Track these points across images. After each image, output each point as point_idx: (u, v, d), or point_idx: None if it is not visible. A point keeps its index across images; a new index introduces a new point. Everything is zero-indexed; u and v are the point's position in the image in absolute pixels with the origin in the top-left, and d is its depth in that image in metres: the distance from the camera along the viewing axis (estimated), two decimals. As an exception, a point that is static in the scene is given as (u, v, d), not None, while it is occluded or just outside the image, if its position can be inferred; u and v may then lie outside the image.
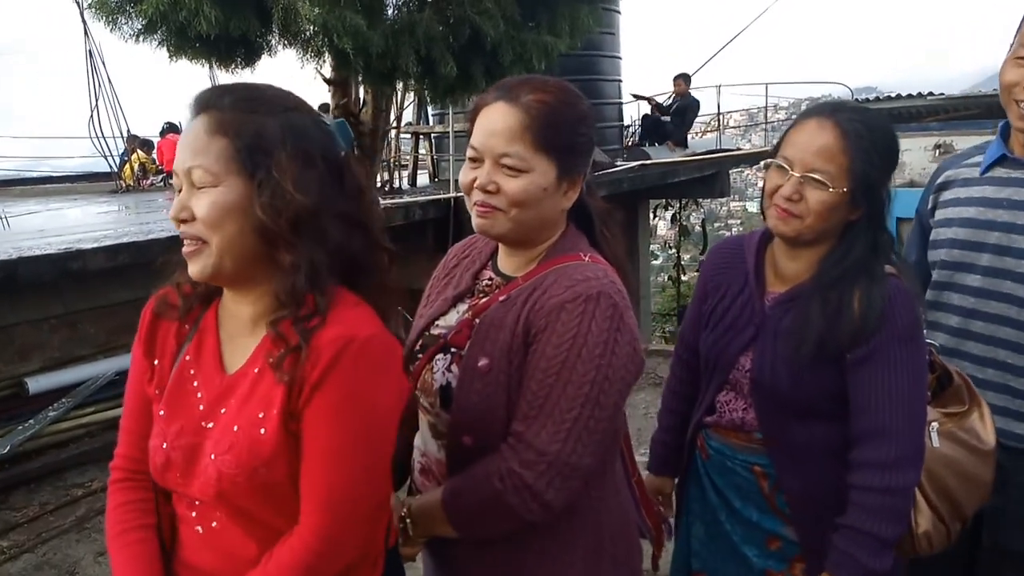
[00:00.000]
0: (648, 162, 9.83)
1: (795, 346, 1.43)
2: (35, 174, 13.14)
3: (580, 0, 4.60)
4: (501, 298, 1.29)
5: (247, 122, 1.04)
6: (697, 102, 11.46)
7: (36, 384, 4.66)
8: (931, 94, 8.14)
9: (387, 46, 3.94)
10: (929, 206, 1.84)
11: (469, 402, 1.24)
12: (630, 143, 11.49)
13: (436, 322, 1.39)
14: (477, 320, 1.30)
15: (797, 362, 1.43)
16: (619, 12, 10.39)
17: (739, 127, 18.81)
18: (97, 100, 10.84)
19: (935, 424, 1.47)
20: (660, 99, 11.48)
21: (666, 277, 14.32)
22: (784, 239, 1.49)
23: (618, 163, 9.52)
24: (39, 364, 4.83)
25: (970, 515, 1.51)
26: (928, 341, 1.53)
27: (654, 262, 16.42)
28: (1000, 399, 1.66)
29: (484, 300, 1.34)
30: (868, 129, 1.41)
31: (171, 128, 11.31)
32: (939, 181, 1.84)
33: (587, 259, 1.28)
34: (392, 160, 8.80)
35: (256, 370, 1.09)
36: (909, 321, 1.40)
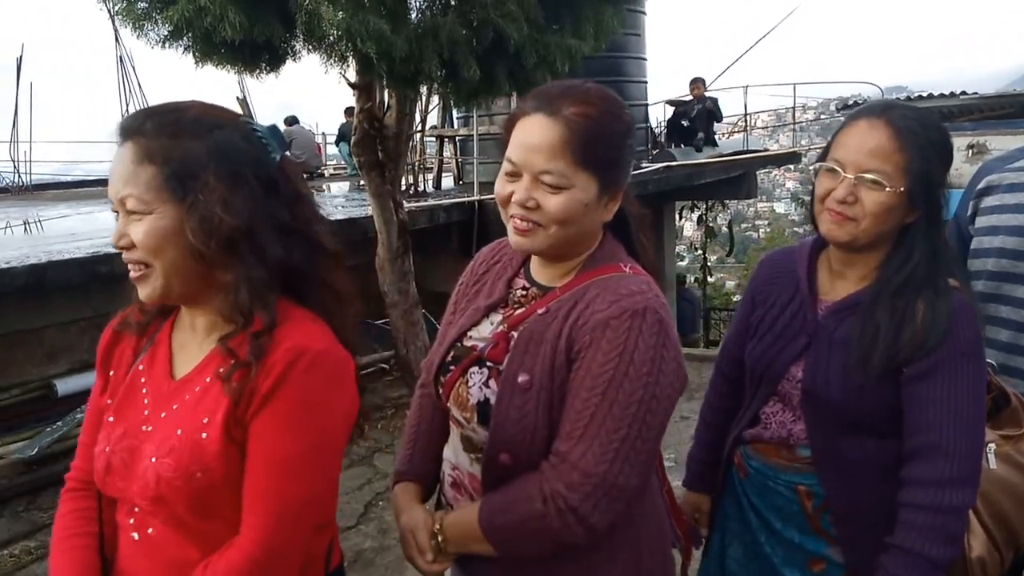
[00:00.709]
0: (674, 164, 9.76)
1: (857, 356, 1.38)
2: (68, 178, 13.40)
3: (604, 1, 4.55)
4: (540, 310, 1.25)
5: (172, 148, 1.05)
6: (715, 100, 11.35)
7: (65, 386, 4.73)
8: (964, 93, 7.97)
9: (410, 50, 3.93)
10: (969, 212, 1.77)
11: (508, 419, 1.20)
12: (657, 145, 11.42)
13: (468, 333, 1.35)
14: (514, 333, 1.26)
15: (853, 372, 1.38)
16: (644, 13, 10.32)
17: (767, 127, 18.61)
18: (127, 105, 11.02)
19: (992, 445, 1.42)
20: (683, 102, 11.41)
21: (692, 279, 14.22)
22: (838, 245, 1.44)
23: (644, 165, 9.46)
24: (67, 366, 4.91)
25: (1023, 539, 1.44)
26: (987, 360, 1.47)
27: (680, 263, 16.30)
28: None
29: (520, 311, 1.30)
30: (922, 126, 1.36)
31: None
32: (980, 186, 1.77)
33: (628, 270, 1.25)
34: (417, 163, 8.82)
35: (207, 379, 1.10)
36: (972, 337, 1.35)
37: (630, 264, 1.27)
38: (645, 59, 10.49)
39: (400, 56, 3.87)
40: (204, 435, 1.05)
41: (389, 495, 4.00)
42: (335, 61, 4.02)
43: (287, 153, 1.17)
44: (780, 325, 1.52)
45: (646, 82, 10.39)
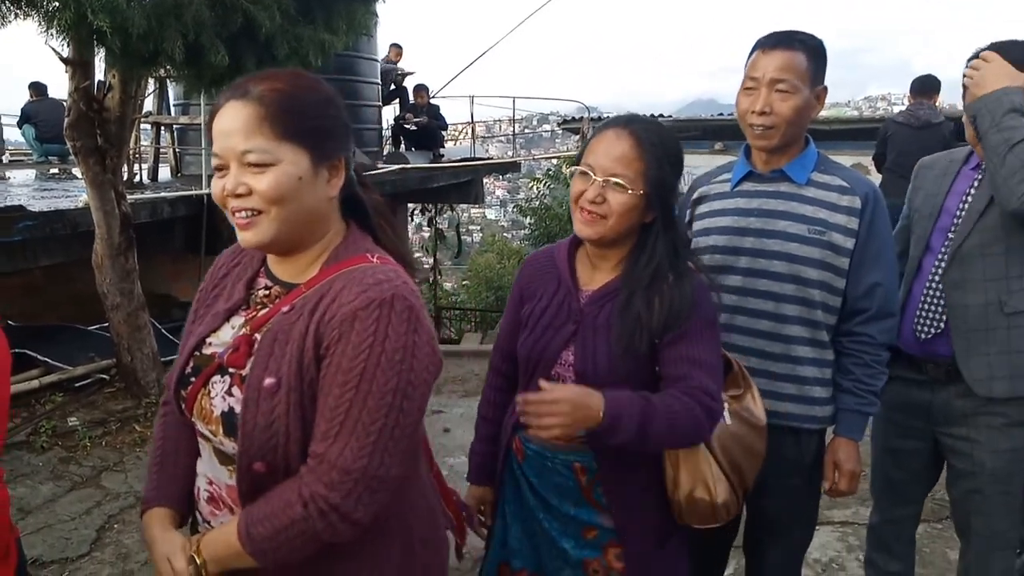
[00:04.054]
0: (408, 166, 9.93)
1: (622, 342, 1.56)
2: None
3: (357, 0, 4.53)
4: (284, 308, 1.20)
5: None
6: (437, 107, 12.02)
7: None
8: (661, 115, 9.15)
9: (149, 27, 3.59)
10: (686, 219, 2.08)
11: (257, 426, 1.14)
12: (387, 147, 11.55)
13: (208, 340, 1.28)
14: (257, 335, 1.21)
15: (619, 353, 1.57)
16: (376, 16, 10.35)
17: (479, 137, 19.62)
18: None
19: (726, 405, 1.65)
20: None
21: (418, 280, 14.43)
22: (590, 241, 1.63)
23: (379, 166, 9.50)
24: None
25: (750, 485, 1.72)
26: None
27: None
28: (763, 383, 1.90)
29: (263, 312, 1.24)
30: (660, 139, 1.58)
31: None
32: (694, 197, 2.09)
33: (375, 260, 1.22)
34: (132, 153, 7.99)
35: None
36: (710, 308, 1.60)
37: (377, 254, 1.24)
38: (377, 60, 10.55)
39: (138, 33, 3.52)
40: None
41: (125, 517, 3.64)
42: (57, 31, 3.54)
43: None
44: (549, 315, 1.68)
45: (378, 83, 10.45)
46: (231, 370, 1.20)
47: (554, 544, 1.68)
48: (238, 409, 1.17)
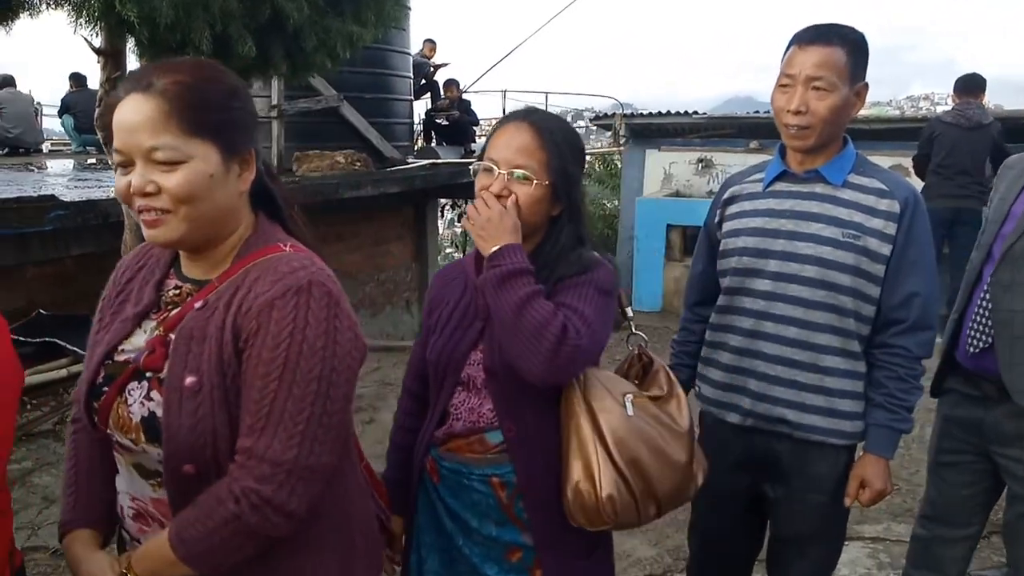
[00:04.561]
0: (439, 161, 9.90)
1: None
2: None
3: (386, -9, 4.49)
4: (197, 305, 1.16)
5: None
6: (468, 103, 12.14)
7: None
8: (695, 113, 8.98)
9: (177, 17, 3.58)
10: (716, 220, 2.00)
11: (183, 428, 1.10)
12: (418, 142, 11.56)
13: (120, 347, 1.23)
14: (171, 335, 1.16)
15: None
16: (409, 8, 10.33)
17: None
18: None
19: (630, 396, 1.55)
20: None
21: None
22: None
23: (410, 160, 9.49)
24: None
25: (664, 499, 1.55)
26: (638, 333, 1.71)
27: (442, 261, 16.57)
28: (789, 394, 1.84)
29: (176, 312, 1.19)
30: (560, 129, 1.56)
31: None
32: (725, 196, 2.01)
33: (288, 248, 1.20)
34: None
35: None
36: (607, 280, 1.53)
37: (290, 243, 1.22)
38: (410, 54, 10.51)
39: (165, 23, 3.51)
40: None
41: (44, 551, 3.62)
42: (86, 21, 3.55)
43: None
44: (456, 317, 1.62)
45: (410, 77, 10.42)
46: (148, 374, 1.16)
47: (476, 571, 1.59)
48: (159, 412, 1.12)
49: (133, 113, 1.09)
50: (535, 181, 1.50)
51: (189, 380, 1.11)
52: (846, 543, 2.10)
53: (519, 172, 1.51)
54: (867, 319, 1.82)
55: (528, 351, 1.41)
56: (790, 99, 1.77)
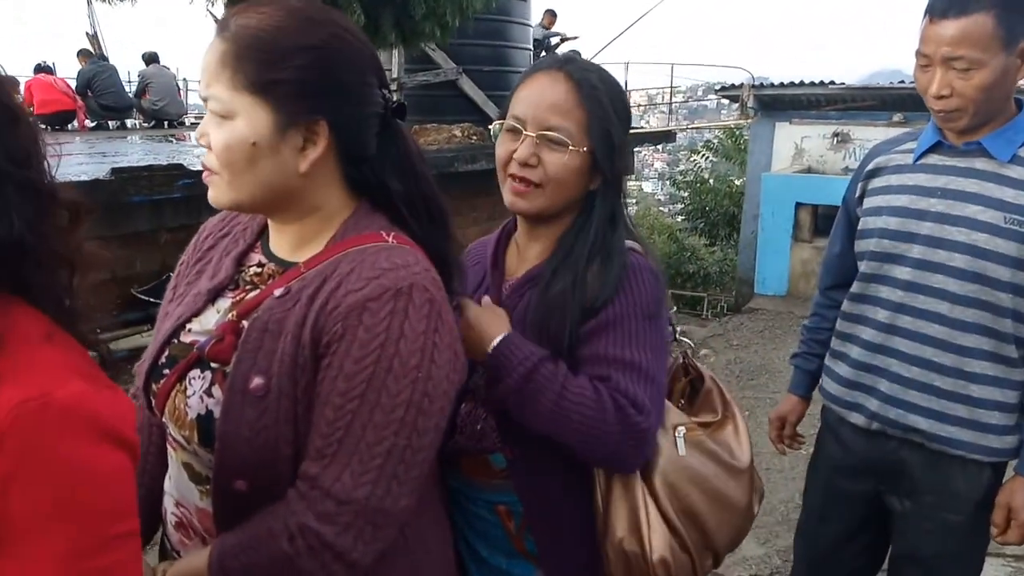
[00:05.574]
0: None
1: (531, 325, 1.23)
2: None
3: (499, -43, 4.36)
4: (277, 292, 0.99)
5: None
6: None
7: None
8: (832, 82, 8.36)
9: (289, -13, 3.60)
10: (857, 194, 1.76)
11: (240, 437, 0.95)
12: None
13: (188, 326, 1.07)
14: (244, 323, 1.00)
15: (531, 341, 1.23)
16: (531, -22, 10.19)
17: (638, 107, 19.05)
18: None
19: (682, 428, 1.27)
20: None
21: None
22: (524, 216, 1.31)
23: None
24: None
25: (722, 548, 1.31)
26: (684, 339, 1.43)
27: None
28: (924, 399, 1.61)
29: (254, 295, 1.03)
30: (602, 81, 1.25)
31: (43, 68, 10.40)
32: (869, 168, 1.75)
33: (391, 239, 1.01)
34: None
35: None
36: (649, 295, 1.22)
37: (394, 233, 1.03)
38: (530, 25, 10.38)
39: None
40: None
41: None
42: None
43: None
44: None
45: (530, 49, 10.28)
46: (214, 364, 1.00)
47: None
48: (217, 413, 0.97)
49: (205, 55, 0.96)
50: (570, 147, 1.21)
51: (256, 382, 0.95)
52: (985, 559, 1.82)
53: (551, 134, 1.22)
54: None
55: (588, 451, 1.18)
56: (930, 81, 1.51)
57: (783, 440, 1.98)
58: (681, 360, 1.43)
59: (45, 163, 0.73)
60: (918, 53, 1.54)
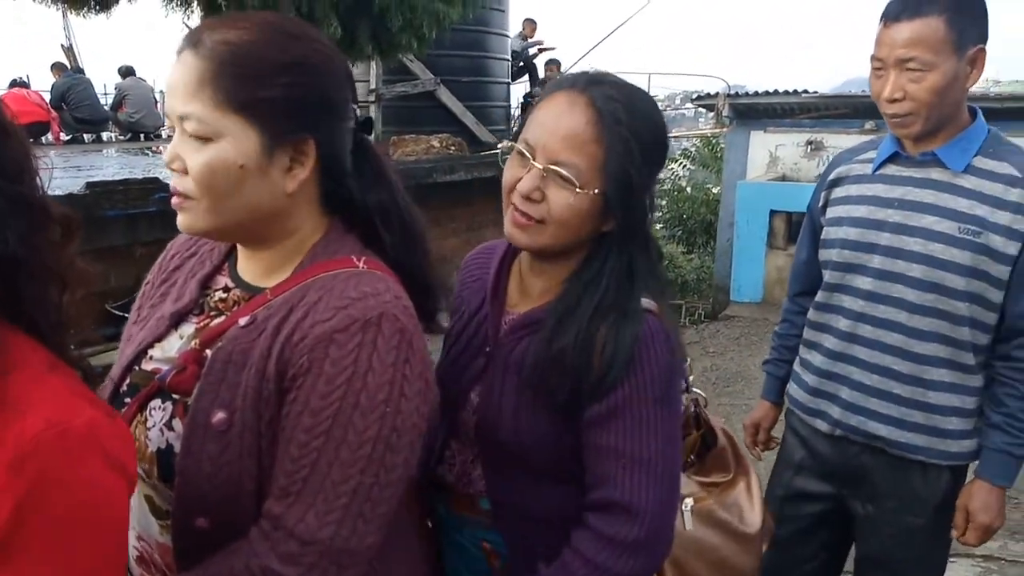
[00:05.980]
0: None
1: (528, 380, 1.13)
2: None
3: (474, -32, 4.40)
4: (242, 321, 0.95)
5: None
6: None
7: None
8: (805, 91, 8.47)
9: (264, 2, 3.61)
10: (820, 203, 1.79)
11: (201, 473, 0.91)
12: (515, 125, 11.47)
13: (150, 352, 1.03)
14: (208, 352, 0.96)
15: (524, 399, 1.14)
16: (508, -11, 10.25)
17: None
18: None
19: (689, 501, 1.22)
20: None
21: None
22: (525, 250, 1.20)
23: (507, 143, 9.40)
24: None
25: None
26: (695, 391, 1.37)
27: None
28: (884, 406, 1.64)
29: (218, 321, 0.99)
30: (629, 113, 1.08)
31: (18, 83, 10.34)
32: (831, 177, 1.78)
33: (362, 265, 0.97)
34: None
35: None
36: (662, 373, 1.10)
37: (364, 257, 0.98)
38: (508, 36, 10.44)
39: (253, 5, 3.55)
40: None
41: None
42: (178, 5, 3.63)
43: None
44: (465, 338, 1.26)
45: (508, 59, 10.34)
46: (175, 396, 0.96)
47: None
48: (177, 448, 0.93)
49: (176, 72, 0.92)
50: (577, 188, 1.07)
51: (218, 416, 0.91)
52: (953, 559, 1.86)
53: (559, 170, 1.07)
54: (987, 327, 1.58)
55: None
56: (884, 85, 1.54)
57: (758, 445, 2.01)
58: (693, 409, 1.35)
59: (37, 178, 0.73)
60: (873, 58, 1.57)
